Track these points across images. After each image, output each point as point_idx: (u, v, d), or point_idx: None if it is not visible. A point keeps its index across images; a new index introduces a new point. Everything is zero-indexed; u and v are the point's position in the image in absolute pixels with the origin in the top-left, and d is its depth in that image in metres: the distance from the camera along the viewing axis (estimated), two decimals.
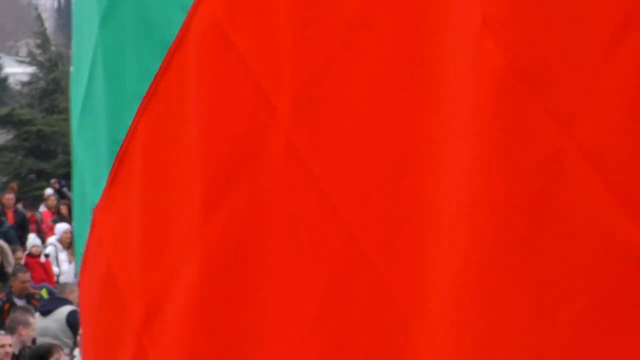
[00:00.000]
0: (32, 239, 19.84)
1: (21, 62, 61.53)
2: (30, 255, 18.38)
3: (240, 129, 2.80)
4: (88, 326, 3.37)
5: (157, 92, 3.02)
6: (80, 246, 3.32)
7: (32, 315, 13.12)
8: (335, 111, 2.61)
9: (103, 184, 3.17)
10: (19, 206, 24.44)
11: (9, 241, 19.34)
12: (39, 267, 17.64)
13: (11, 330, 12.15)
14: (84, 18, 3.33)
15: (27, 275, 15.54)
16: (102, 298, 3.24)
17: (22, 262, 17.35)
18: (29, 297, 15.02)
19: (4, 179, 34.22)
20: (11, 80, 71.84)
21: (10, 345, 11.57)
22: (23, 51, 65.65)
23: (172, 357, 2.90)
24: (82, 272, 3.33)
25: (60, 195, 26.17)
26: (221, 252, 2.81)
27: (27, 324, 12.50)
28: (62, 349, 11.75)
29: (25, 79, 58.47)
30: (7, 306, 14.38)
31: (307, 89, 2.65)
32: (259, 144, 2.74)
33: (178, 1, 2.95)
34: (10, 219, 22.18)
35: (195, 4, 2.90)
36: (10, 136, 44.37)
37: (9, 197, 23.72)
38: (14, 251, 17.60)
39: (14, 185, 30.10)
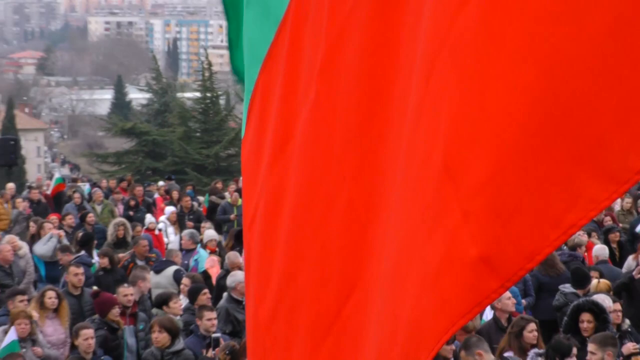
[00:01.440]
0: (149, 217, 19.88)
1: (141, 89, 62.63)
2: (147, 229, 18.41)
3: (304, 82, 2.91)
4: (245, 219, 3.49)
5: (269, 57, 3.19)
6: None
7: (148, 272, 13.11)
8: (340, 68, 2.67)
9: (244, 124, 3.41)
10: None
11: (139, 220, 19.56)
12: (153, 238, 17.60)
13: (133, 283, 12.10)
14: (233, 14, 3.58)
15: (146, 242, 15.63)
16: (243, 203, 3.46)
17: (141, 234, 17.34)
18: (147, 259, 15.03)
19: (129, 175, 34.26)
20: (134, 103, 72.63)
21: (132, 294, 11.60)
22: (142, 82, 66.03)
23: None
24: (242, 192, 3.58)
25: (170, 186, 26.22)
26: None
27: (144, 279, 12.45)
28: (178, 295, 11.72)
29: (144, 102, 59.49)
30: (131, 265, 14.34)
31: (327, 54, 2.74)
32: (310, 90, 2.84)
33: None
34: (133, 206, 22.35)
35: (289, 5, 3.06)
36: (133, 143, 44.73)
37: (139, 189, 23.97)
38: (134, 227, 17.60)
39: (129, 177, 30.21)
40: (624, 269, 13.52)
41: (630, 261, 13.49)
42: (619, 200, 19.88)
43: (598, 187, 1.94)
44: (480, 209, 2.04)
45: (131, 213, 21.22)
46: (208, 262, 14.74)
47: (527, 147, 1.99)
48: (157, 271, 13.95)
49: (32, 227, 17.65)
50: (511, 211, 2.00)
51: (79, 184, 29.50)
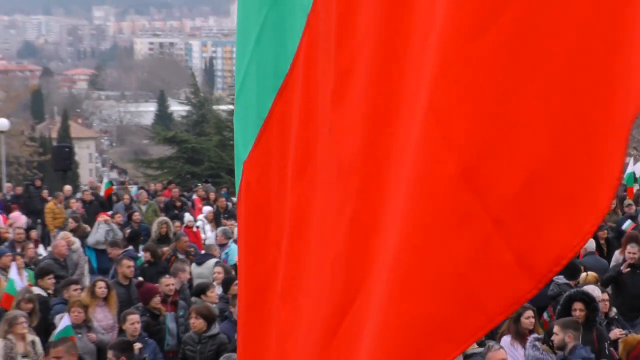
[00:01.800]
0: (187, 216, 20.05)
1: (181, 103, 62.86)
2: (186, 227, 18.49)
3: (321, 107, 2.81)
4: (242, 237, 3.36)
5: (285, 88, 3.06)
6: (237, 189, 3.39)
7: (188, 265, 13.17)
8: (351, 93, 2.60)
9: (250, 147, 3.22)
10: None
11: (179, 218, 19.67)
12: (191, 235, 17.68)
13: (174, 275, 12.14)
14: (243, 38, 3.35)
15: (187, 238, 15.74)
16: (249, 220, 3.28)
17: (180, 231, 17.44)
18: (187, 253, 15.09)
19: (170, 179, 34.47)
20: (175, 115, 72.92)
21: (173, 284, 11.65)
22: (182, 96, 66.27)
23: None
24: (238, 200, 3.37)
25: (206, 188, 26.31)
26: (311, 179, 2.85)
27: (184, 271, 12.49)
28: (214, 286, 11.73)
29: (183, 113, 59.56)
30: (173, 258, 14.39)
31: (340, 81, 2.66)
32: (326, 116, 2.75)
33: (299, 20, 2.97)
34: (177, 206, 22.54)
35: (305, 28, 2.95)
36: (174, 150, 44.89)
37: (176, 190, 24.12)
38: (173, 223, 17.74)
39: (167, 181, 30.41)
40: (612, 263, 13.55)
41: (617, 255, 13.50)
42: None
43: (604, 195, 1.95)
44: (514, 217, 2.01)
45: (176, 212, 21.36)
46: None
47: (556, 162, 1.98)
48: (199, 263, 14.09)
49: (71, 223, 17.81)
50: (544, 219, 1.99)
51: (127, 186, 29.69)
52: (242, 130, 3.30)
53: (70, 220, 18.22)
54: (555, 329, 8.88)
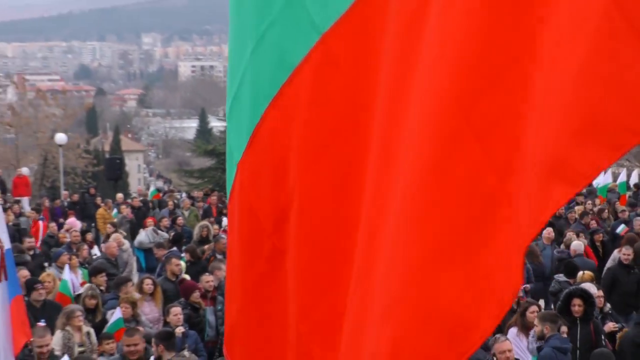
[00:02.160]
0: (225, 220, 20.03)
1: (220, 119, 62.87)
2: (224, 230, 18.49)
3: (338, 117, 2.75)
4: (232, 234, 3.29)
5: (281, 96, 2.97)
6: (229, 188, 3.31)
7: (224, 264, 13.11)
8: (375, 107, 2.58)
9: (243, 149, 3.15)
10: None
11: (217, 223, 19.67)
12: (228, 237, 17.63)
13: (212, 273, 12.17)
14: (237, 50, 3.25)
15: (225, 240, 15.71)
16: (242, 216, 3.20)
17: (219, 234, 17.45)
18: (224, 253, 15.07)
19: (210, 187, 34.55)
20: (214, 130, 72.99)
21: (212, 281, 11.70)
22: (221, 113, 66.45)
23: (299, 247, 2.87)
24: (230, 201, 3.29)
25: None
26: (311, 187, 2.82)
27: (220, 269, 12.40)
28: None
29: (222, 129, 59.48)
30: (212, 258, 14.37)
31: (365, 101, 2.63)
32: (346, 128, 2.72)
33: (304, 39, 2.88)
34: (214, 212, 22.52)
35: (315, 46, 2.83)
36: (213, 162, 45.01)
37: (214, 197, 24.17)
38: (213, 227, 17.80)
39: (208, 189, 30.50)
40: (610, 261, 13.66)
41: (615, 254, 13.56)
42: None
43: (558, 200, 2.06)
44: (527, 221, 2.06)
45: (223, 218, 21.43)
46: None
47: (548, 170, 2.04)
48: None
49: (109, 228, 17.97)
50: (532, 219, 2.05)
51: (174, 193, 29.93)
52: (236, 134, 3.24)
53: (108, 226, 18.40)
54: (536, 321, 9.05)
